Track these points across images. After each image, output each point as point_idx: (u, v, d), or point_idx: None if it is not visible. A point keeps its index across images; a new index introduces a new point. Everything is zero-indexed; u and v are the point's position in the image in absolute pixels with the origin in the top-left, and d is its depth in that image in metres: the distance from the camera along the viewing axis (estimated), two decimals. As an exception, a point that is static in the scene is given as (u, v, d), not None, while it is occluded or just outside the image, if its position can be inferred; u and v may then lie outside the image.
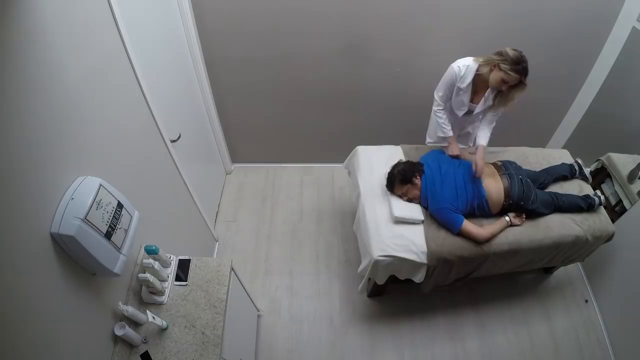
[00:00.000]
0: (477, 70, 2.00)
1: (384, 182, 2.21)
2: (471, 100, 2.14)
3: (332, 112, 2.89)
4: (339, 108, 2.87)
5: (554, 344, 2.42)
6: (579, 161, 2.39)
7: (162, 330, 1.44)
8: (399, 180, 2.10)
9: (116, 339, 1.36)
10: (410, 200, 2.13)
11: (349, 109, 2.88)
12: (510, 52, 1.88)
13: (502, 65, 1.88)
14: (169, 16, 2.08)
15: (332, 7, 2.26)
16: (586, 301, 2.60)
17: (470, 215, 2.08)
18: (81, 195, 1.09)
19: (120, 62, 1.45)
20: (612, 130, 2.76)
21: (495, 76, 1.93)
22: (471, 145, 2.50)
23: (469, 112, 2.22)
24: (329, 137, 3.09)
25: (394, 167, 2.17)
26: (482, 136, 2.19)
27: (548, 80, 2.73)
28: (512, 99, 1.99)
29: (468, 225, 1.99)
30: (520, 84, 1.93)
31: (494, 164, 2.24)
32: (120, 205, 1.22)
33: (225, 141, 3.05)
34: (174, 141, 1.97)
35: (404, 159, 2.32)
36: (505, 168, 2.19)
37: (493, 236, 2.02)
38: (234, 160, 3.28)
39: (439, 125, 2.25)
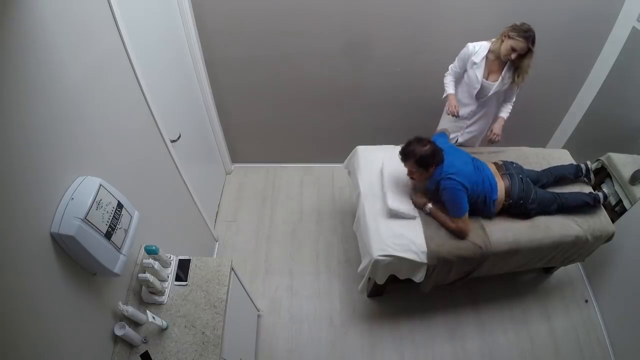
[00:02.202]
0: (491, 46, 2.13)
1: (383, 179, 2.21)
2: (486, 78, 2.21)
3: (332, 112, 2.89)
4: (339, 108, 2.87)
5: (554, 344, 2.42)
6: (589, 164, 2.35)
7: (162, 330, 1.44)
8: (417, 160, 1.93)
9: (116, 339, 1.36)
10: (412, 179, 2.07)
11: (349, 109, 2.88)
12: (519, 23, 2.01)
13: (511, 33, 2.01)
14: (169, 16, 2.08)
15: (332, 6, 2.26)
16: (586, 301, 2.60)
17: (471, 212, 2.07)
18: (81, 195, 1.09)
19: (120, 62, 1.45)
20: (612, 130, 2.76)
21: (505, 45, 2.04)
22: (477, 145, 2.60)
23: (485, 92, 2.24)
24: (329, 137, 3.09)
25: (419, 143, 1.95)
26: (504, 111, 2.36)
27: (548, 80, 2.73)
28: (525, 68, 2.10)
29: (466, 218, 1.98)
30: (528, 51, 2.03)
31: (495, 164, 2.24)
32: (120, 205, 1.22)
33: (225, 141, 3.05)
34: (174, 141, 1.97)
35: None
36: (505, 168, 2.18)
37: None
38: (234, 160, 3.28)
39: (445, 85, 2.32)
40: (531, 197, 2.08)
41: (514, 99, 2.33)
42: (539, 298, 2.61)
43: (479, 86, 2.21)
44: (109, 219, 1.15)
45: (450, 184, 1.93)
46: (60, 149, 1.09)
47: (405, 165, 2.02)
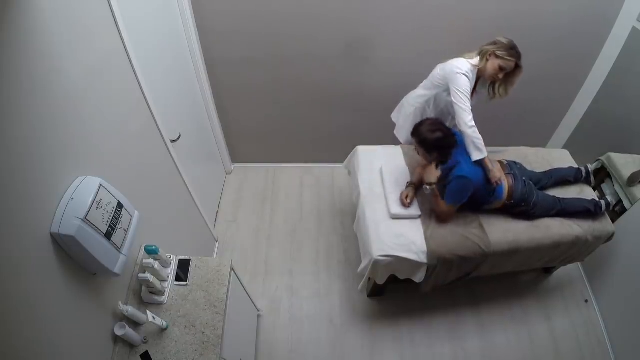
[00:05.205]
0: (477, 68, 2.01)
1: (384, 181, 2.21)
2: None
3: (332, 112, 2.89)
4: (339, 108, 2.86)
5: (554, 344, 2.42)
6: (589, 167, 2.35)
7: (162, 330, 1.44)
8: (420, 141, 1.90)
9: (116, 339, 1.36)
10: (418, 154, 2.04)
11: (349, 109, 2.88)
12: (503, 40, 1.91)
13: (499, 53, 1.91)
14: (169, 16, 2.08)
15: (332, 8, 2.26)
16: (586, 301, 2.61)
17: (471, 204, 2.07)
18: (81, 195, 1.09)
19: (120, 62, 1.44)
20: (612, 130, 2.76)
21: (492, 65, 1.94)
22: None
23: None
24: (329, 137, 3.09)
25: (431, 127, 1.88)
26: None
27: (548, 80, 2.73)
28: (512, 84, 2.03)
29: (455, 208, 2.03)
30: (517, 68, 1.95)
31: (500, 162, 2.22)
32: (120, 205, 1.22)
33: (225, 141, 3.05)
34: (174, 141, 1.97)
35: (404, 159, 2.32)
36: (510, 168, 2.18)
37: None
38: (234, 160, 3.28)
39: (475, 142, 1.92)
40: (533, 200, 2.08)
41: None
42: (539, 298, 2.61)
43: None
44: (109, 219, 1.15)
45: (464, 183, 1.92)
46: (60, 149, 1.09)
47: (415, 146, 2.00)
